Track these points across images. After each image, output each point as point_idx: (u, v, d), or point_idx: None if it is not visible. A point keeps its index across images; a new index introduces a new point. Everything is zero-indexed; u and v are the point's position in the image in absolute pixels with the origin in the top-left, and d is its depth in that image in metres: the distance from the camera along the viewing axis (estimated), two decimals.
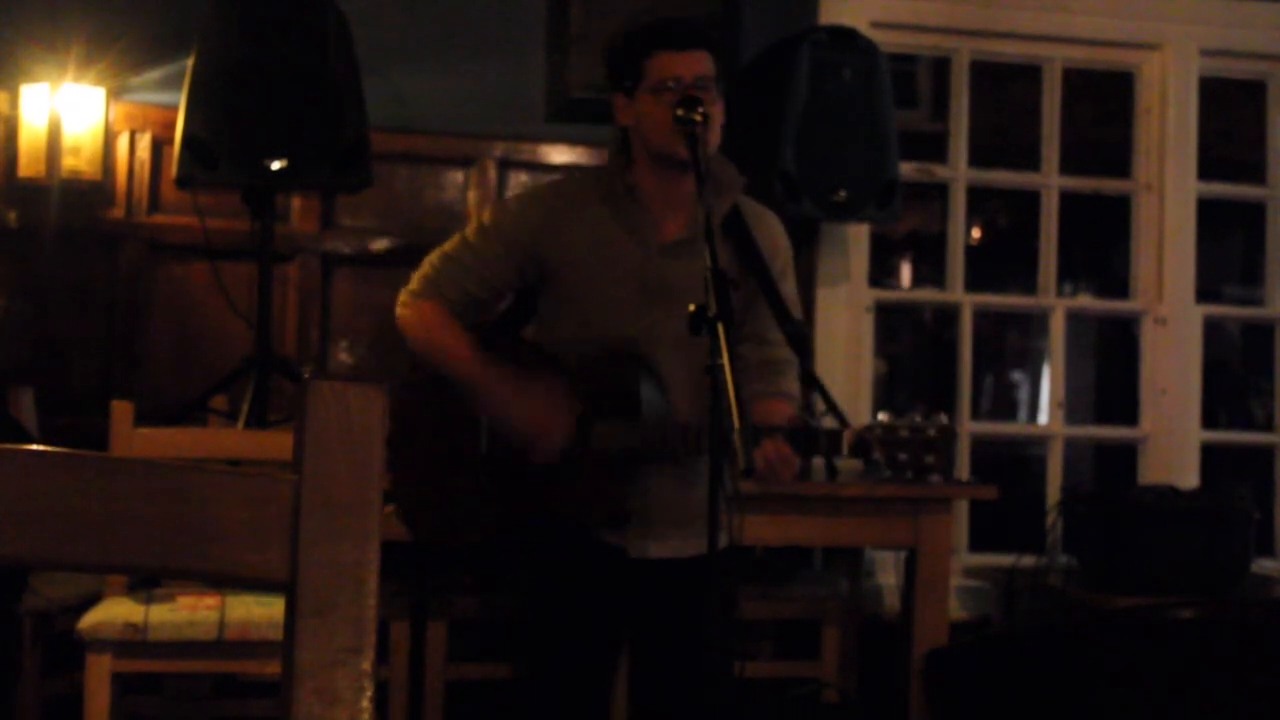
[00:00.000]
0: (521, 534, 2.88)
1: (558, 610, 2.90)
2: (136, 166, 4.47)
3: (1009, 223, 9.18)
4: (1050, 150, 5.13)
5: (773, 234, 2.96)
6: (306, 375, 0.97)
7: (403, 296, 2.92)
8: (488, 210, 2.98)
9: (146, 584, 3.35)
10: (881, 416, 2.68)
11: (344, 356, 4.63)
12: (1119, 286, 5.47)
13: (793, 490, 3.73)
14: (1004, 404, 10.01)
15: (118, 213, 4.46)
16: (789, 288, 2.95)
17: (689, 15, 2.94)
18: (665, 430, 2.77)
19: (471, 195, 4.66)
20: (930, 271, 8.69)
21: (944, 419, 2.68)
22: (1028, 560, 4.68)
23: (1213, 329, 5.31)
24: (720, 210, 2.82)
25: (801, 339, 2.87)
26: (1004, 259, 8.85)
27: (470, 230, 2.93)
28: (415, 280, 2.92)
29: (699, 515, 2.70)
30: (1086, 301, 7.24)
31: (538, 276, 2.89)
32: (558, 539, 2.86)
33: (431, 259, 2.92)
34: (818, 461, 4.02)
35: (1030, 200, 5.25)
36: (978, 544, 5.05)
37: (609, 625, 2.92)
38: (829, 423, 4.02)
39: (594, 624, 2.90)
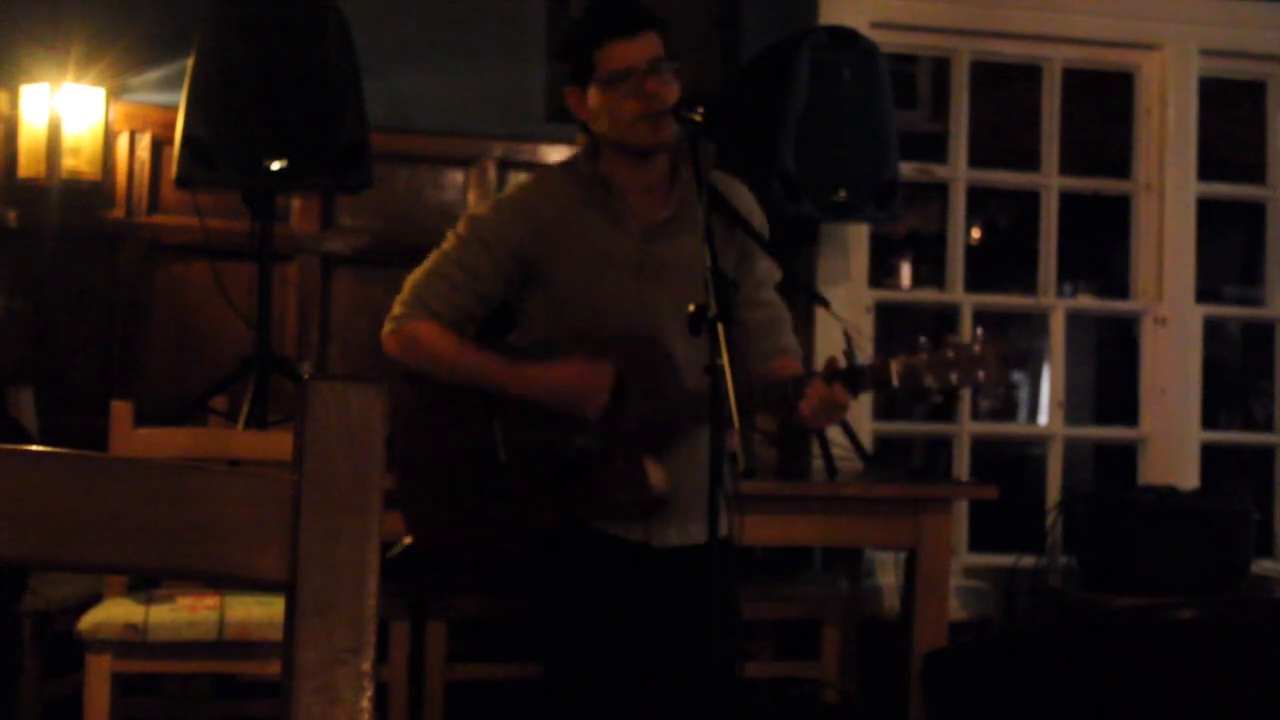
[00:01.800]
0: (548, 542, 2.85)
1: (585, 618, 2.86)
2: (136, 166, 4.47)
3: (1009, 223, 9.18)
4: (1050, 150, 5.13)
5: (746, 200, 2.95)
6: (306, 376, 0.97)
7: (388, 325, 2.88)
8: (463, 223, 2.91)
9: (146, 584, 3.35)
10: (924, 345, 2.62)
11: (344, 357, 4.63)
12: (1119, 286, 5.47)
13: (793, 490, 3.74)
14: (1004, 404, 10.01)
15: (118, 213, 4.46)
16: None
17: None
18: (685, 400, 2.77)
19: (471, 195, 4.66)
20: (930, 271, 8.69)
21: (984, 334, 2.60)
22: (1028, 560, 4.68)
23: (1213, 329, 5.31)
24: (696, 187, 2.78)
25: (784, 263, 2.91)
26: (1004, 259, 8.85)
27: (450, 245, 2.89)
28: (398, 305, 2.89)
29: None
30: (1086, 301, 7.24)
31: (523, 281, 2.88)
32: (580, 544, 2.84)
33: (414, 279, 2.89)
34: (818, 462, 4.03)
35: (1030, 200, 5.25)
36: (978, 544, 5.05)
37: (634, 625, 2.89)
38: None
39: (620, 627, 2.88)
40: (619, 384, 2.80)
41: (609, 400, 2.78)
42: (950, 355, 2.60)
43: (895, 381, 2.64)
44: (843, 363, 2.69)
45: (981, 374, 2.59)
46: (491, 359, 2.84)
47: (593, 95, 2.81)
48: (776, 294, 2.97)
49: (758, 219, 2.95)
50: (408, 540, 2.97)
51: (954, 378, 2.59)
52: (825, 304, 3.37)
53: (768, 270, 2.95)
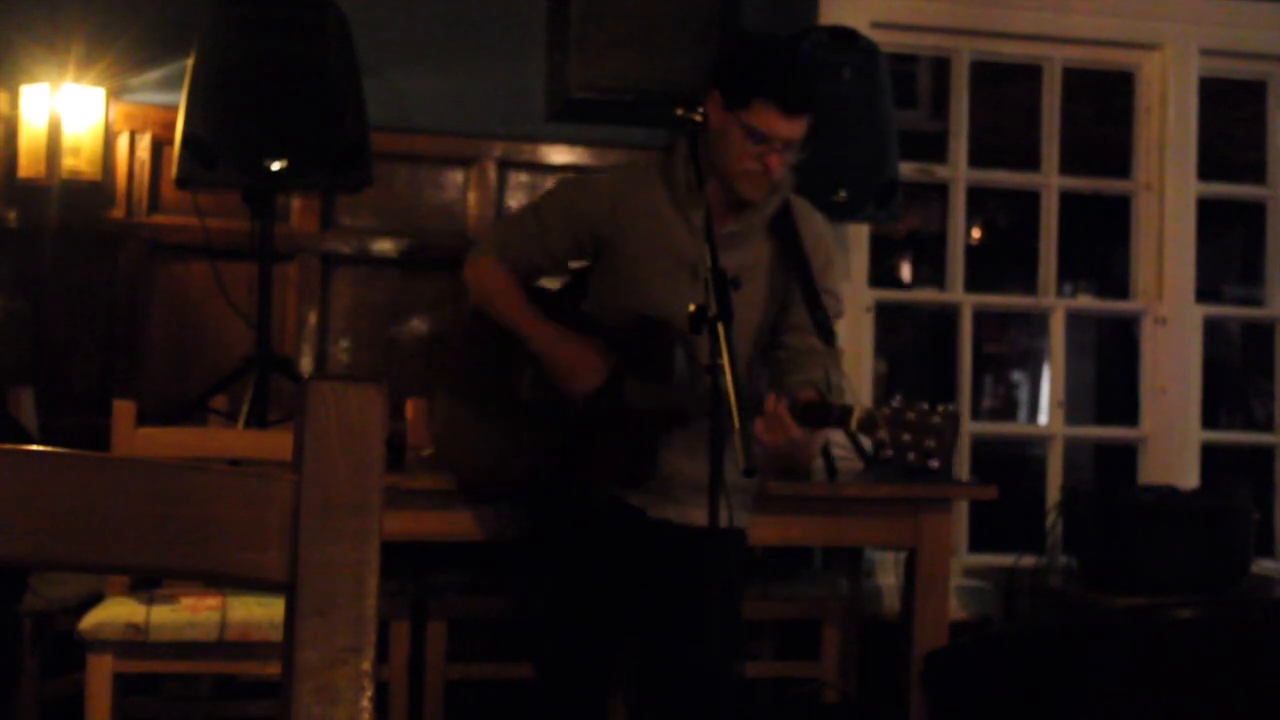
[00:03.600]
0: (548, 485, 3.03)
1: (571, 564, 3.04)
2: (136, 166, 4.47)
3: (1009, 223, 9.18)
4: (1050, 150, 5.13)
5: (817, 230, 3.09)
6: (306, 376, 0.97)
7: (470, 254, 3.18)
8: (558, 184, 3.27)
9: (147, 584, 3.35)
10: (895, 401, 2.73)
11: (344, 357, 4.63)
12: (1119, 286, 5.46)
13: (793, 490, 3.74)
14: (1004, 404, 10.01)
15: (118, 213, 4.46)
16: (831, 280, 3.07)
17: (809, 74, 3.07)
18: (696, 392, 2.85)
19: (471, 195, 4.66)
20: (930, 271, 8.69)
21: (951, 408, 2.72)
22: (1028, 560, 4.68)
23: (1213, 329, 5.31)
24: (771, 207, 3.00)
25: (825, 330, 2.98)
26: (1004, 259, 8.85)
27: (540, 200, 3.20)
28: (483, 239, 3.23)
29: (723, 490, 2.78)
30: (1086, 301, 7.24)
31: (594, 250, 3.07)
32: (580, 494, 3.00)
33: (501, 221, 3.27)
34: (818, 462, 4.03)
35: (1030, 200, 5.25)
36: (978, 544, 5.05)
37: (620, 583, 3.04)
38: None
39: (604, 580, 3.03)
40: (617, 373, 2.96)
41: (594, 390, 2.97)
42: (910, 417, 2.70)
43: (854, 425, 2.76)
44: (816, 395, 2.82)
45: (932, 442, 2.68)
46: (524, 308, 3.05)
47: (727, 121, 2.93)
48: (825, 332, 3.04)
49: (824, 249, 3.07)
50: (427, 451, 3.26)
51: (906, 437, 2.69)
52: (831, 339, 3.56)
53: (831, 304, 3.03)
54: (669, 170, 3.02)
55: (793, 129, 2.90)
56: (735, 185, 2.95)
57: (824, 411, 2.77)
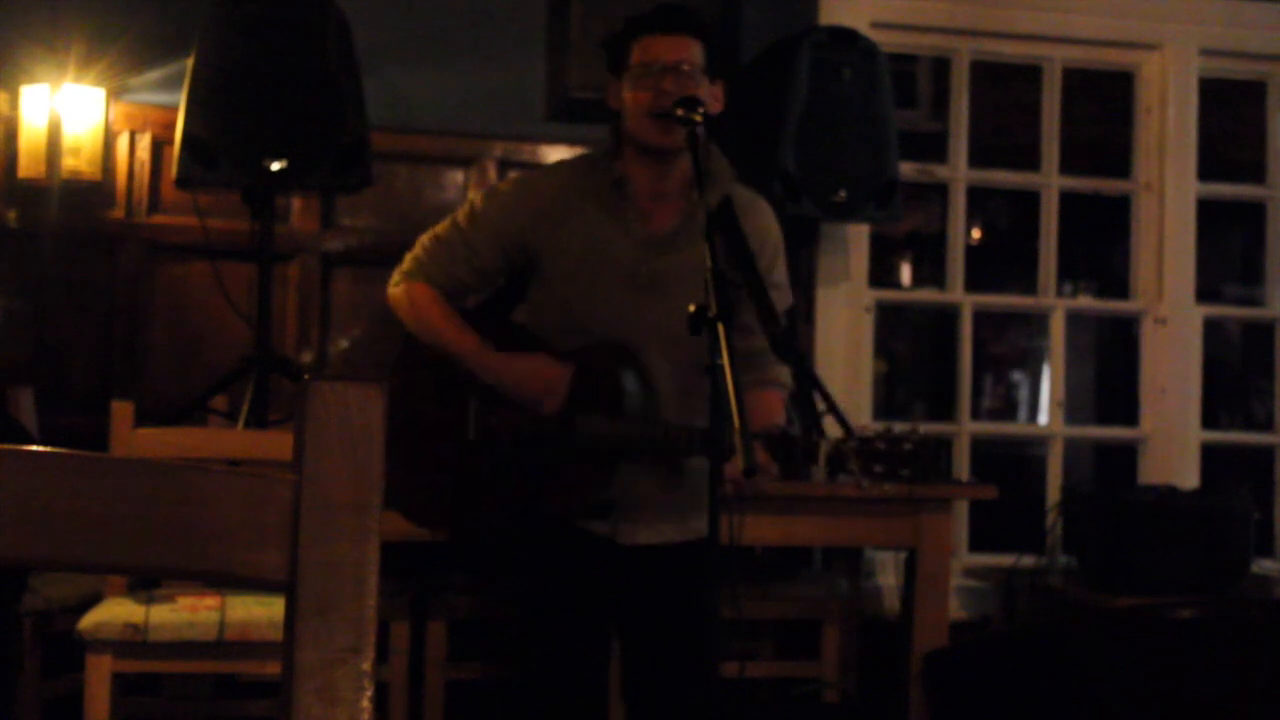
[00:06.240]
0: (513, 524, 2.89)
1: (548, 602, 2.92)
2: (136, 166, 4.47)
3: (1009, 223, 9.18)
4: (1050, 150, 5.13)
5: (762, 222, 2.92)
6: (305, 358, 0.97)
7: (395, 276, 2.97)
8: (481, 196, 2.99)
9: (146, 584, 3.35)
10: (865, 426, 2.65)
11: (343, 357, 4.63)
12: (1119, 286, 5.47)
13: (793, 490, 3.74)
14: (1004, 404, 10.01)
15: (118, 213, 4.46)
16: (778, 275, 2.92)
17: (684, 3, 2.91)
18: (648, 427, 2.77)
19: (471, 195, 4.66)
20: (930, 271, 8.70)
21: (922, 432, 2.62)
22: (1028, 560, 4.68)
23: (1213, 329, 5.31)
24: (711, 202, 2.79)
25: (785, 345, 2.82)
26: (1004, 259, 8.85)
27: (462, 215, 2.95)
28: (407, 260, 2.97)
29: (688, 503, 2.71)
30: (1086, 301, 7.24)
31: (526, 264, 2.91)
32: (546, 530, 2.87)
33: (423, 240, 2.97)
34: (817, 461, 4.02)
35: (1030, 200, 5.25)
36: (978, 544, 5.05)
37: (599, 615, 2.92)
38: (828, 422, 4.03)
39: (583, 615, 2.91)
40: (577, 389, 2.80)
41: (565, 401, 2.80)
42: (880, 447, 2.61)
43: (821, 462, 2.67)
44: (777, 430, 2.71)
45: (906, 470, 2.60)
46: (467, 338, 2.88)
47: (624, 85, 2.83)
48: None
49: (771, 242, 2.92)
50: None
51: (878, 468, 2.61)
52: (819, 387, 3.52)
53: (778, 299, 2.86)
54: (596, 174, 2.87)
55: (674, 47, 2.77)
56: (647, 138, 2.78)
57: (788, 446, 2.68)
